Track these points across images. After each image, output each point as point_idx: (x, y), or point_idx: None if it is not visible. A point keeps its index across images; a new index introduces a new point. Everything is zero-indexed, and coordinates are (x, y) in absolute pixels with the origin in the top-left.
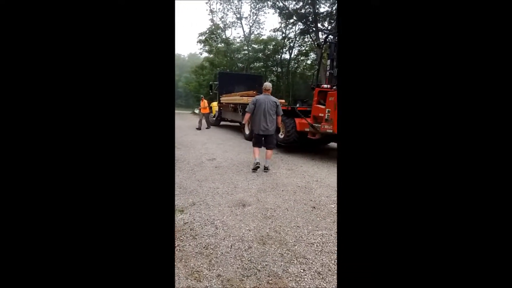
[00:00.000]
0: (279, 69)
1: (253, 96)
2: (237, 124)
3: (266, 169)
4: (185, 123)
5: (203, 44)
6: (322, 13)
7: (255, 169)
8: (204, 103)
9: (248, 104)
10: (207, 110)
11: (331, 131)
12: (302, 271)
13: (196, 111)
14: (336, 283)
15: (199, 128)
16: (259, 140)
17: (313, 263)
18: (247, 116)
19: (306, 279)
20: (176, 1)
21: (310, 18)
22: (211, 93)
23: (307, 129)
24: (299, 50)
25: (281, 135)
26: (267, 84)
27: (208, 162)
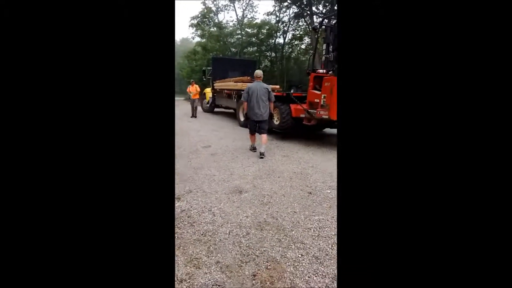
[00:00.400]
0: (273, 54)
1: (248, 82)
2: (232, 110)
3: (262, 155)
4: (177, 110)
5: (195, 28)
6: None
7: (252, 149)
8: (195, 88)
9: (242, 90)
10: (198, 96)
11: (327, 116)
12: (300, 256)
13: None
14: (334, 267)
15: (193, 116)
16: (253, 126)
17: (311, 248)
18: (245, 104)
19: (304, 264)
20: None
21: (304, 1)
22: (204, 79)
23: (302, 115)
24: (293, 35)
25: (276, 122)
26: (258, 72)
27: (203, 149)
